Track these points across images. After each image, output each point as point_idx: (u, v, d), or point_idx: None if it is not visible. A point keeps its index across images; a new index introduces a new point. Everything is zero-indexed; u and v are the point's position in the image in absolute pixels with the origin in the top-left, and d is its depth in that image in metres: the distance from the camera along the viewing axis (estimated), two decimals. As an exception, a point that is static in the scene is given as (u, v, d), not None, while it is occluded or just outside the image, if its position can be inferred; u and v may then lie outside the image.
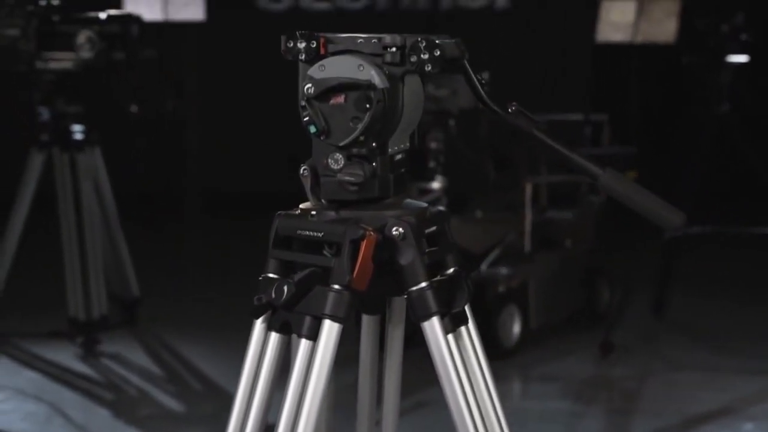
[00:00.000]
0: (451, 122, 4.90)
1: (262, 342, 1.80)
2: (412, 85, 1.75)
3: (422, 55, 1.71)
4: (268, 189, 5.46)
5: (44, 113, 4.81)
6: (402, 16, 8.34)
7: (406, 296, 1.75)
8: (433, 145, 4.88)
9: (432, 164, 4.91)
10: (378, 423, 1.96)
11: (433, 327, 1.75)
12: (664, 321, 5.30)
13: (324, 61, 1.72)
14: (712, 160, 5.16)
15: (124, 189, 5.46)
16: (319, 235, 1.75)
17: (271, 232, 1.79)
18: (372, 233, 1.71)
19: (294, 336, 1.76)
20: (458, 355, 1.78)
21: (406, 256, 1.74)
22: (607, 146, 5.51)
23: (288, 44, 1.76)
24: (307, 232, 1.76)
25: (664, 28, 6.42)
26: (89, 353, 4.80)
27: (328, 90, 1.71)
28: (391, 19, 8.28)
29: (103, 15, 4.71)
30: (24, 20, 4.63)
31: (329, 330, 1.72)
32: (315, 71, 1.72)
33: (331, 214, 1.76)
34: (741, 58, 5.15)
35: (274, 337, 1.79)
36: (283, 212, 1.80)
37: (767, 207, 6.23)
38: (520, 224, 5.01)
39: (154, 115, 7.60)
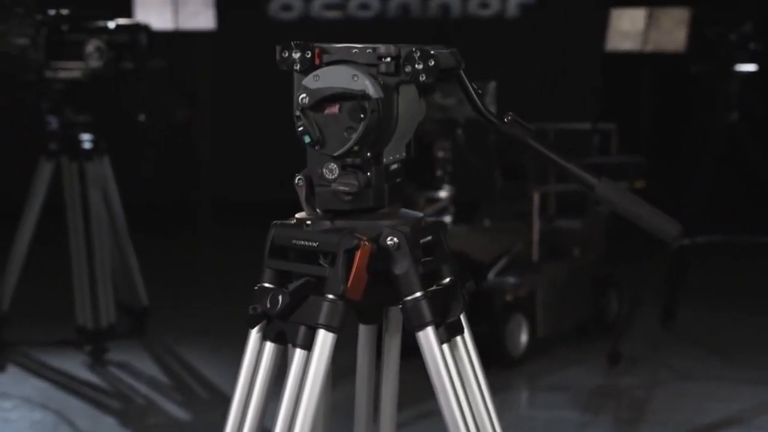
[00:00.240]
0: (459, 131, 4.91)
1: (257, 351, 1.80)
2: (407, 95, 1.76)
3: (417, 65, 1.71)
4: (279, 197, 5.47)
5: (53, 122, 4.83)
6: (412, 25, 8.35)
7: (401, 306, 1.75)
8: (440, 154, 4.88)
9: (439, 173, 4.91)
10: (376, 433, 1.97)
11: (428, 337, 1.75)
12: (672, 331, 5.28)
13: (318, 71, 1.73)
14: (720, 169, 5.15)
15: (134, 198, 5.48)
16: (314, 244, 1.75)
17: (267, 241, 1.80)
18: (366, 243, 1.72)
19: (290, 345, 1.77)
20: (453, 365, 1.78)
21: (401, 266, 1.74)
22: (614, 155, 5.50)
23: (283, 54, 1.77)
24: (302, 242, 1.77)
25: (674, 37, 6.42)
26: (97, 362, 4.80)
27: (322, 100, 1.71)
28: (401, 28, 8.29)
29: (111, 24, 4.73)
30: (33, 29, 4.64)
31: (323, 339, 1.72)
32: (309, 81, 1.73)
33: (326, 223, 1.76)
34: (750, 67, 5.15)
35: (269, 346, 1.79)
36: (278, 222, 1.81)
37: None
38: (528, 233, 5.01)
39: (164, 125, 7.65)
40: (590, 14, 7.66)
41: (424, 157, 4.85)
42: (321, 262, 1.76)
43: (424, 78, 1.71)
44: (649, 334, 5.23)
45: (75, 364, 4.79)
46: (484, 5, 8.40)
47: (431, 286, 1.78)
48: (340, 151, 1.72)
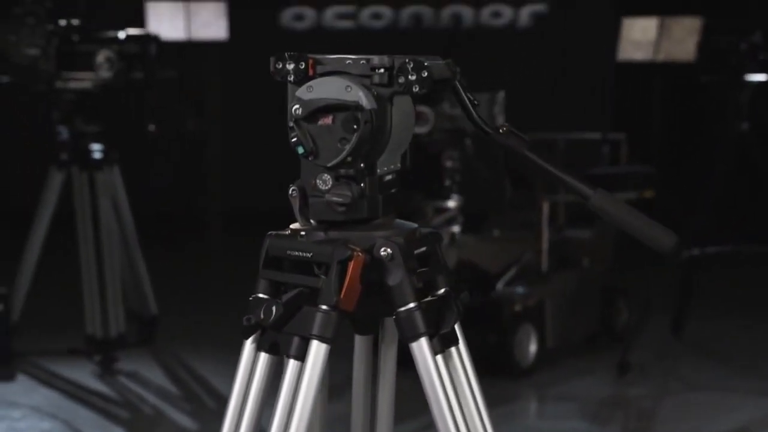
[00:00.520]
0: (467, 141, 4.90)
1: (251, 362, 1.80)
2: (401, 106, 1.76)
3: (410, 76, 1.71)
4: (289, 206, 5.47)
5: (63, 132, 4.85)
6: (424, 35, 8.35)
7: (394, 317, 1.75)
8: (448, 163, 4.87)
9: (448, 183, 4.90)
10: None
11: (422, 348, 1.74)
12: (681, 340, 5.27)
13: (312, 82, 1.73)
14: (731, 179, 5.14)
15: (144, 208, 5.48)
16: (308, 255, 1.75)
17: (262, 252, 1.80)
18: (360, 254, 1.71)
19: (284, 356, 1.77)
20: (447, 376, 1.77)
21: (394, 277, 1.74)
22: (624, 165, 5.49)
23: (277, 65, 1.77)
24: (297, 253, 1.76)
25: (685, 47, 6.41)
26: (106, 371, 4.82)
27: (315, 111, 1.71)
28: (412, 38, 8.29)
29: (121, 35, 4.75)
30: (44, 40, 4.67)
31: (317, 350, 1.72)
32: (303, 92, 1.73)
33: (320, 234, 1.76)
34: (760, 77, 5.13)
35: (263, 357, 1.79)
36: (273, 232, 1.81)
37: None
38: (537, 243, 5.00)
39: (174, 135, 7.67)
40: (602, 24, 7.66)
41: (433, 167, 4.84)
42: (317, 272, 1.76)
43: (417, 89, 1.71)
44: (658, 343, 5.21)
45: (84, 374, 4.81)
46: (497, 15, 8.39)
47: (426, 297, 1.78)
48: (334, 162, 1.72)
